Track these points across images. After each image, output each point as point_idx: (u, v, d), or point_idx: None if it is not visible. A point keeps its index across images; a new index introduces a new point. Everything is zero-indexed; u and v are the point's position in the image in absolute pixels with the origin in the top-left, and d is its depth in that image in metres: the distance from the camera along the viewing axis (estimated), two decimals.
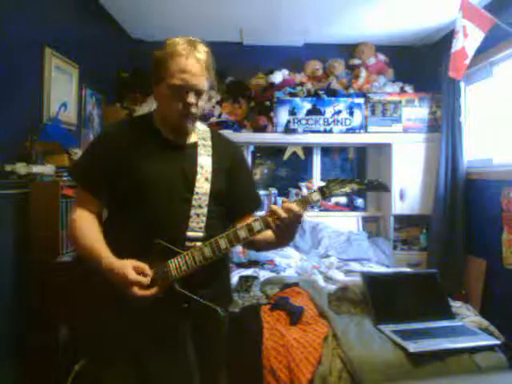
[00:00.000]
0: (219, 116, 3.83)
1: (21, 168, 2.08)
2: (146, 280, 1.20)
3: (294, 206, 1.21)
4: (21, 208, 2.11)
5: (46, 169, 2.19)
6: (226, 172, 1.40)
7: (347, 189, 1.25)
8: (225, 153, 1.43)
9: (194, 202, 1.30)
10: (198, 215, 1.30)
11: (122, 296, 1.19)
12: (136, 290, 1.18)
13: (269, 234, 1.33)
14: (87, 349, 1.38)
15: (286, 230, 1.25)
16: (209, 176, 1.34)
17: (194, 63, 1.26)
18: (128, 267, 1.19)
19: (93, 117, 3.24)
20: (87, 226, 1.30)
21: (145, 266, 1.21)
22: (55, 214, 2.09)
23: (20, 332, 2.13)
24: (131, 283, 1.18)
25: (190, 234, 1.28)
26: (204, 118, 3.77)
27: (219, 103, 3.89)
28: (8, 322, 2.09)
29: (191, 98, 1.26)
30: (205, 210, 1.31)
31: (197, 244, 1.27)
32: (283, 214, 1.20)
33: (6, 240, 2.07)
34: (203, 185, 1.32)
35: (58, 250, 2.09)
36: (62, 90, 2.70)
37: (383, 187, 1.27)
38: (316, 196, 1.24)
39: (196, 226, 1.29)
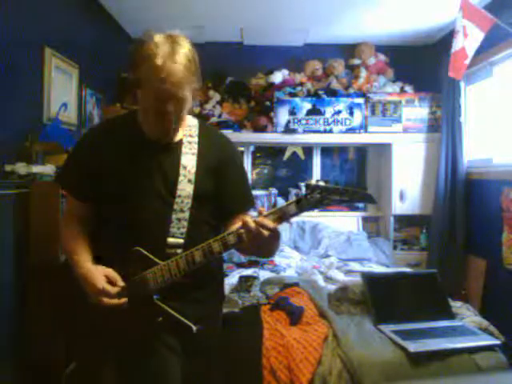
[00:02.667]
0: (219, 116, 3.83)
1: (21, 168, 2.08)
2: (113, 290, 1.20)
3: (267, 222, 1.09)
4: (21, 208, 2.11)
5: (46, 169, 2.19)
6: (213, 171, 1.31)
7: (328, 201, 1.07)
8: (213, 149, 1.34)
9: (175, 206, 1.24)
10: (179, 220, 1.24)
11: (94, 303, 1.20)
12: (103, 299, 1.18)
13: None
14: (75, 351, 1.38)
15: (262, 245, 1.14)
16: (192, 177, 1.26)
17: (171, 70, 1.14)
18: (99, 276, 1.20)
19: (93, 117, 3.24)
20: (72, 234, 1.30)
21: (116, 276, 1.21)
22: (55, 214, 2.09)
23: (20, 332, 2.13)
24: (98, 292, 1.18)
25: (170, 240, 1.23)
26: (204, 118, 3.77)
27: (219, 103, 3.89)
28: (8, 321, 2.09)
29: (170, 107, 1.18)
30: (186, 215, 1.24)
31: (177, 251, 1.22)
32: (254, 230, 1.09)
33: (6, 240, 2.07)
34: (185, 187, 1.25)
35: (58, 249, 2.09)
36: (62, 90, 2.70)
37: (369, 199, 1.11)
38: (292, 209, 1.10)
39: (177, 232, 1.24)
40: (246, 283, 2.55)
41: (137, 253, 1.22)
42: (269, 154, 4.33)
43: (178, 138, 1.31)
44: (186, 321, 1.22)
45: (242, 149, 4.11)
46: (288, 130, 3.71)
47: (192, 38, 1.23)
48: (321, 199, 1.07)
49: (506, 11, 2.77)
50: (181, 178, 1.26)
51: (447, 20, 3.44)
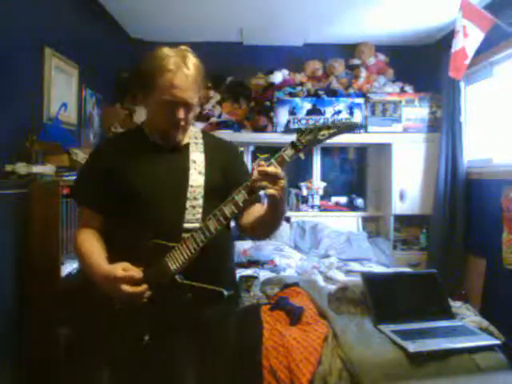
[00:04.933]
0: (219, 116, 3.83)
1: (21, 168, 2.08)
2: (134, 276, 1.21)
3: (271, 168, 1.16)
4: (21, 208, 2.11)
5: (46, 169, 2.19)
6: (221, 168, 1.39)
7: (319, 137, 1.17)
8: (218, 150, 1.44)
9: (188, 195, 1.30)
10: (193, 207, 1.30)
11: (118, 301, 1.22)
12: (125, 287, 1.19)
13: (258, 211, 1.33)
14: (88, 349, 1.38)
15: (274, 196, 1.20)
16: (202, 169, 1.35)
17: (183, 78, 1.25)
18: (117, 267, 1.21)
19: (93, 117, 3.24)
20: (87, 243, 1.32)
21: (133, 268, 1.23)
22: (55, 214, 2.09)
23: (19, 332, 2.13)
24: (119, 280, 1.19)
25: (186, 225, 1.28)
26: (204, 118, 3.77)
27: (219, 103, 3.89)
28: (7, 322, 2.09)
29: (180, 113, 1.28)
30: (200, 202, 1.31)
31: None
32: (260, 177, 1.16)
33: (5, 240, 2.07)
34: (197, 177, 1.33)
35: (59, 249, 2.09)
36: (62, 90, 2.70)
37: (355, 125, 1.22)
38: (289, 152, 1.18)
39: (192, 218, 1.29)
40: (245, 283, 2.55)
41: (154, 246, 1.25)
42: (269, 154, 4.32)
43: (184, 141, 1.40)
44: (215, 288, 1.25)
45: (241, 149, 4.11)
46: (288, 129, 3.71)
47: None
48: (313, 137, 1.17)
49: (506, 11, 2.77)
50: (191, 170, 1.34)
51: (447, 20, 3.44)
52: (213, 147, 1.42)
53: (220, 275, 1.34)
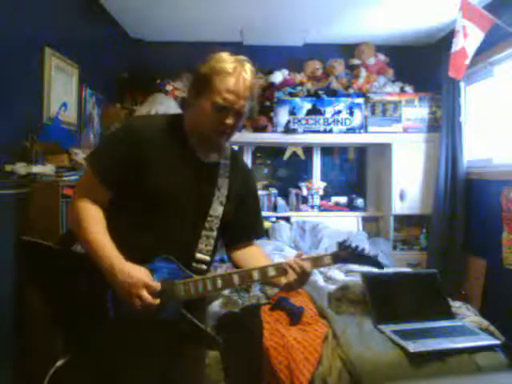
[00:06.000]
0: None
1: (21, 168, 2.08)
2: (157, 287, 1.18)
3: (306, 264, 1.24)
4: (21, 208, 2.11)
5: (46, 169, 2.19)
6: (237, 197, 1.37)
7: (353, 259, 1.30)
8: (240, 177, 1.40)
9: (206, 224, 1.29)
10: (207, 237, 1.29)
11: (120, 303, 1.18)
12: (146, 294, 1.15)
13: (253, 254, 1.38)
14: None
15: (295, 283, 1.27)
16: (223, 199, 1.32)
17: (240, 84, 1.23)
18: (144, 270, 1.18)
19: (93, 117, 3.24)
20: (96, 219, 1.23)
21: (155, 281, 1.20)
22: (55, 214, 2.09)
23: (19, 333, 2.13)
24: (146, 286, 1.16)
25: (198, 255, 1.27)
26: None
27: None
28: (7, 322, 2.09)
29: (230, 120, 1.24)
30: (214, 234, 1.30)
31: (203, 267, 1.27)
32: (297, 270, 1.24)
33: (5, 240, 2.07)
34: (217, 207, 1.31)
35: None
36: (62, 90, 2.70)
37: (382, 265, 1.35)
38: (328, 260, 1.29)
39: (204, 248, 1.29)
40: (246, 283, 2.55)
41: (165, 259, 1.23)
42: (269, 153, 4.33)
43: (216, 158, 1.36)
44: (211, 333, 1.29)
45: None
46: (288, 130, 3.71)
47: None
48: (349, 257, 1.29)
49: (506, 11, 2.77)
50: (214, 198, 1.32)
51: (447, 20, 3.44)
52: (236, 172, 1.38)
53: (202, 307, 1.38)
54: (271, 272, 1.25)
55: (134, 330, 1.20)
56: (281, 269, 1.25)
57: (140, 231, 1.25)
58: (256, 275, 1.25)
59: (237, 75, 1.23)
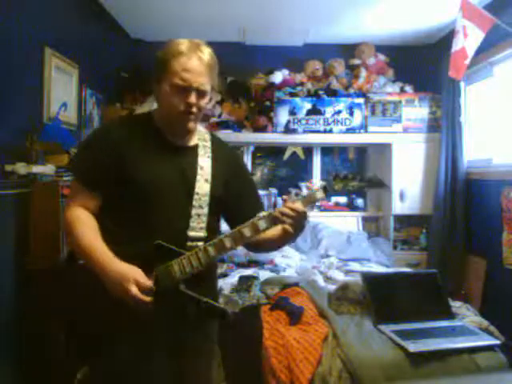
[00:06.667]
0: (219, 116, 3.83)
1: (21, 168, 2.08)
2: (149, 283, 1.18)
3: (299, 206, 1.22)
4: (21, 208, 2.11)
5: (46, 169, 2.19)
6: (224, 179, 1.38)
7: (349, 187, 1.26)
8: (224, 159, 1.41)
9: (194, 202, 1.29)
10: (198, 215, 1.29)
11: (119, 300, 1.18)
12: (136, 291, 1.15)
13: (271, 233, 1.33)
14: (89, 353, 1.35)
15: (293, 229, 1.27)
16: (208, 177, 1.33)
17: (196, 63, 1.25)
18: (135, 271, 1.18)
19: (93, 117, 3.24)
20: (86, 224, 1.25)
21: (145, 276, 1.20)
22: (55, 214, 2.09)
23: (19, 333, 2.13)
24: (136, 284, 1.16)
25: (191, 233, 1.27)
26: (205, 118, 3.77)
27: (219, 103, 3.89)
28: (7, 322, 2.09)
29: (192, 98, 1.25)
30: (205, 210, 1.30)
31: (198, 244, 1.26)
32: (291, 213, 1.21)
33: (6, 240, 2.07)
34: (203, 185, 1.31)
35: (59, 249, 2.09)
36: (62, 90, 2.70)
37: (382, 184, 1.34)
38: (319, 194, 1.25)
39: (197, 226, 1.28)
40: (246, 283, 2.55)
41: (158, 247, 1.23)
42: (269, 153, 4.33)
43: (193, 142, 1.38)
44: (220, 305, 1.28)
45: (242, 148, 4.11)
46: (288, 130, 3.70)
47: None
48: (344, 186, 1.25)
49: (506, 11, 2.77)
50: (198, 177, 1.32)
51: (447, 20, 3.44)
52: (219, 154, 1.40)
53: (211, 285, 1.35)
54: (262, 225, 1.23)
55: (147, 329, 1.22)
56: (272, 218, 1.23)
57: (132, 226, 1.26)
58: (247, 232, 1.23)
59: (192, 55, 1.25)
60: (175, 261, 1.23)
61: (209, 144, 1.39)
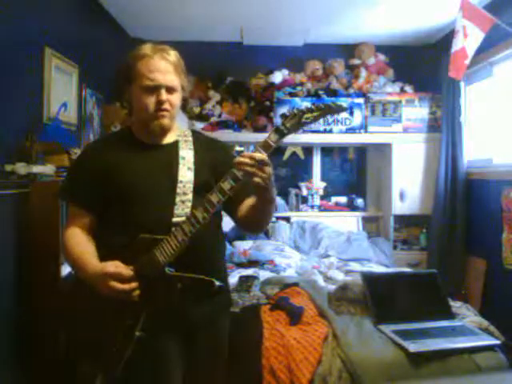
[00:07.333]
0: (219, 116, 3.83)
1: (21, 168, 2.08)
2: (126, 273, 1.20)
3: (256, 153, 1.17)
4: (21, 208, 2.11)
5: (46, 169, 2.19)
6: (210, 166, 1.38)
7: (303, 120, 1.18)
8: (208, 148, 1.43)
9: (178, 190, 1.30)
10: (183, 202, 1.30)
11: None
12: (115, 284, 1.19)
13: (249, 202, 1.34)
14: (87, 352, 1.36)
15: (261, 182, 1.19)
16: (191, 166, 1.34)
17: (161, 62, 1.29)
18: (108, 264, 1.21)
19: (93, 117, 3.24)
20: (77, 241, 1.32)
21: (123, 265, 1.22)
22: (55, 214, 2.09)
23: (19, 333, 2.13)
24: (109, 276, 1.19)
25: (174, 219, 1.27)
26: (204, 118, 3.77)
27: (219, 103, 3.89)
28: (8, 322, 2.09)
29: (163, 96, 1.28)
30: (190, 196, 1.30)
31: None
32: (249, 162, 1.16)
33: (5, 240, 2.07)
34: (186, 173, 1.33)
35: (58, 249, 2.09)
36: (62, 90, 2.70)
37: (338, 108, 1.21)
38: (273, 136, 1.19)
39: (182, 213, 1.28)
40: (246, 283, 2.55)
41: (142, 240, 1.24)
42: (269, 153, 4.32)
43: (172, 139, 1.40)
44: (205, 277, 1.25)
45: (241, 148, 4.12)
46: None
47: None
48: (298, 120, 1.18)
49: (506, 11, 2.77)
50: (180, 166, 1.33)
51: (447, 20, 3.44)
52: (202, 145, 1.42)
53: (210, 272, 1.32)
54: (227, 185, 1.19)
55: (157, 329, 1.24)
56: (233, 174, 1.18)
57: (118, 222, 1.30)
58: (215, 197, 1.20)
59: (157, 56, 1.30)
60: (155, 248, 1.24)
61: (190, 139, 1.42)
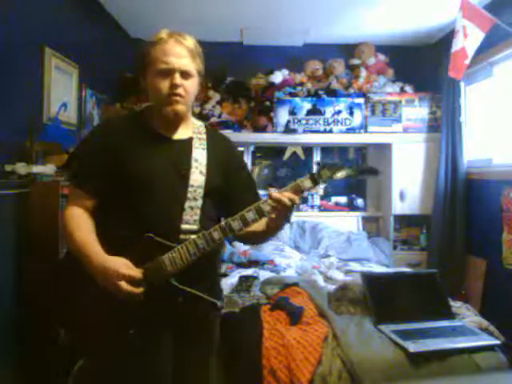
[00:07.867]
0: (219, 116, 3.83)
1: (21, 168, 2.08)
2: (136, 275, 1.19)
3: (290, 193, 1.21)
4: (21, 208, 2.11)
5: (46, 169, 2.19)
6: (222, 168, 1.38)
7: (338, 175, 1.24)
8: (221, 150, 1.41)
9: (189, 195, 1.29)
10: (192, 208, 1.28)
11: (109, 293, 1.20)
12: (125, 285, 1.17)
13: (257, 225, 1.33)
14: (85, 348, 1.36)
15: (280, 219, 1.26)
16: (203, 169, 1.32)
17: (177, 46, 1.27)
18: (120, 262, 1.19)
19: (93, 117, 3.24)
20: (80, 222, 1.28)
21: (134, 267, 1.21)
22: (55, 214, 2.09)
23: (19, 333, 2.13)
24: (121, 277, 1.17)
25: (184, 226, 1.27)
26: (204, 118, 3.77)
27: (219, 103, 3.89)
28: (8, 321, 2.09)
29: (177, 79, 1.26)
30: (199, 203, 1.29)
31: (191, 237, 1.25)
32: (283, 200, 1.19)
33: (6, 240, 2.07)
34: (198, 177, 1.31)
35: (58, 249, 2.09)
36: (62, 90, 2.70)
37: (374, 172, 1.29)
38: (307, 183, 1.24)
39: (190, 219, 1.28)
40: (246, 283, 2.55)
41: (149, 239, 1.23)
42: (269, 153, 4.32)
43: (187, 135, 1.37)
44: (209, 298, 1.26)
45: (241, 149, 4.11)
46: (288, 129, 3.71)
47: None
48: (332, 174, 1.23)
49: (506, 11, 2.77)
50: (193, 169, 1.31)
51: (447, 20, 3.44)
52: (215, 145, 1.39)
53: (211, 280, 1.34)
54: (251, 215, 1.22)
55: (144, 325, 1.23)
56: (260, 209, 1.22)
57: (124, 216, 1.27)
58: (236, 225, 1.22)
59: (172, 40, 1.28)
60: (166, 255, 1.23)
61: (204, 136, 1.39)
